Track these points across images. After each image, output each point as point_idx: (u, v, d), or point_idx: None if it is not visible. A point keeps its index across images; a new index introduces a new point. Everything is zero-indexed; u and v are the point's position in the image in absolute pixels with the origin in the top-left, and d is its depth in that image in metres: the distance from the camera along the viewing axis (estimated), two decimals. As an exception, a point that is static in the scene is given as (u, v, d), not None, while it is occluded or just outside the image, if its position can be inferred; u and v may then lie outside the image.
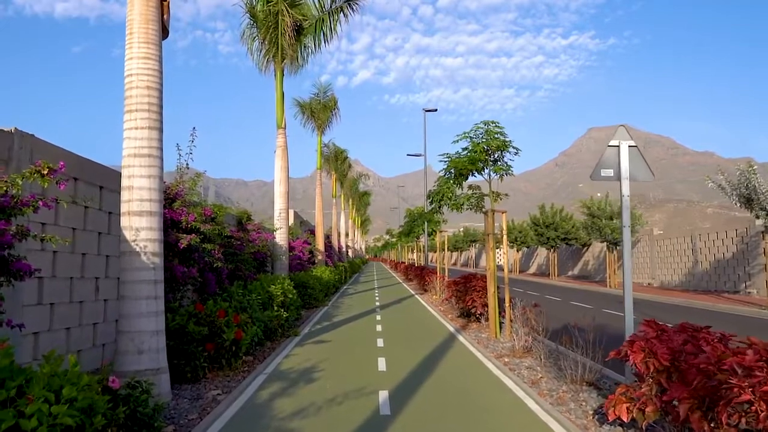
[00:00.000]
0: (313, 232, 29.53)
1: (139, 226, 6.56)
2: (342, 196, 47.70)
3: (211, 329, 8.08)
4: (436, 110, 30.58)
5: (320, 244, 27.73)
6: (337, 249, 39.50)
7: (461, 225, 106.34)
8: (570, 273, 44.66)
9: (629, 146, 6.66)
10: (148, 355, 6.44)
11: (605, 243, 30.39)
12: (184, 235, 8.61)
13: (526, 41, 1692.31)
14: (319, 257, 26.99)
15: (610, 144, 6.70)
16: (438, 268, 23.83)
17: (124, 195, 6.64)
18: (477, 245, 74.08)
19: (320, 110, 27.65)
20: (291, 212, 29.18)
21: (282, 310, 11.71)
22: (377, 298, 23.04)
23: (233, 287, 10.73)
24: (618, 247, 30.56)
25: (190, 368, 7.61)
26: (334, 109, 27.88)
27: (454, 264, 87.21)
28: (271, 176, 16.65)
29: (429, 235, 33.67)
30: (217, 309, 8.41)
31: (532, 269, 54.63)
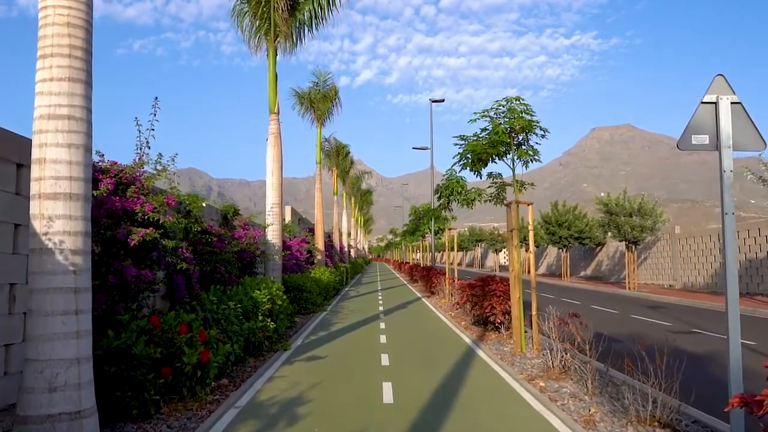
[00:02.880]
0: (312, 231, 27.71)
1: (54, 213, 4.75)
2: (344, 194, 45.89)
3: (168, 350, 6.26)
4: (443, 101, 28.76)
5: (320, 244, 25.94)
6: (338, 249, 37.67)
7: (465, 224, 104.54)
8: (582, 273, 42.70)
9: (731, 103, 4.81)
10: (63, 393, 4.62)
11: (624, 242, 28.42)
12: (138, 229, 6.79)
13: (529, 41, 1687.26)
14: (319, 257, 25.20)
15: (704, 100, 4.84)
16: (447, 269, 21.96)
17: (34, 171, 4.83)
18: (483, 245, 72.10)
19: (320, 100, 25.87)
20: (288, 209, 27.36)
21: (268, 320, 9.88)
22: (381, 302, 21.19)
23: (209, 293, 8.92)
24: (637, 246, 28.61)
25: (138, 402, 5.80)
26: (335, 99, 26.10)
27: (460, 264, 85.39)
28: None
29: (435, 233, 31.81)
30: (178, 323, 6.60)
31: (542, 269, 52.67)
